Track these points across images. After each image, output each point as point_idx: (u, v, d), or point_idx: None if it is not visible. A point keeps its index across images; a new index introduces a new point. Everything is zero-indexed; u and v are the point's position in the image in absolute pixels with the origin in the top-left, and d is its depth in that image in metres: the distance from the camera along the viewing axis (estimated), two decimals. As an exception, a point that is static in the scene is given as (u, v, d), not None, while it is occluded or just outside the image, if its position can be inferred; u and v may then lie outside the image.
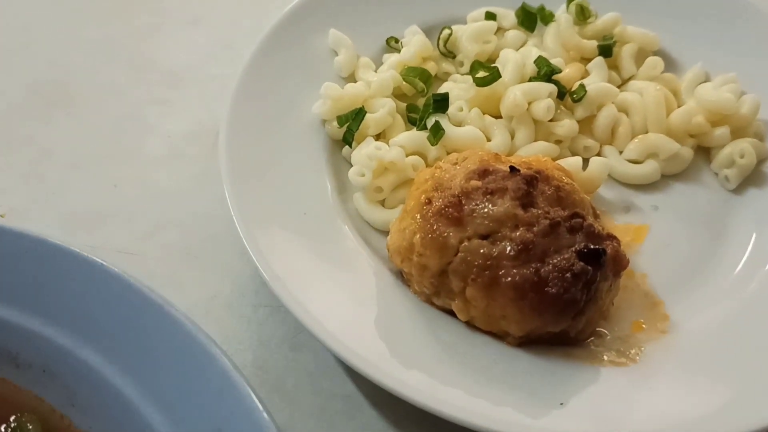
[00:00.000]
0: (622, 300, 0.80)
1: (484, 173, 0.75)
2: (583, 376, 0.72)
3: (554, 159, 0.87)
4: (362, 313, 0.75)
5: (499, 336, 0.74)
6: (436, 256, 0.73)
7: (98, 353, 0.63)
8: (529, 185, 0.74)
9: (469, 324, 0.75)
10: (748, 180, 0.90)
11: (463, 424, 0.66)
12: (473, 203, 0.73)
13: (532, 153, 0.87)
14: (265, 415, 0.57)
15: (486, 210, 0.73)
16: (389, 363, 0.70)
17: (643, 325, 0.78)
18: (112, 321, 0.63)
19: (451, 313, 0.75)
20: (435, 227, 0.73)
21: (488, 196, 0.73)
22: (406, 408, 0.71)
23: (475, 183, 0.75)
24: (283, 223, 0.80)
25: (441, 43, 0.99)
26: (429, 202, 0.75)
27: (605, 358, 0.74)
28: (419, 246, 0.74)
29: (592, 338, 0.76)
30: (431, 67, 0.97)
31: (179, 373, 0.61)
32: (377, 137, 0.90)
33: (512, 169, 0.75)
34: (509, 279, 0.70)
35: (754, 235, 0.86)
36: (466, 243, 0.72)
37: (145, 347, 0.62)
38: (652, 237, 0.86)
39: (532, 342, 0.74)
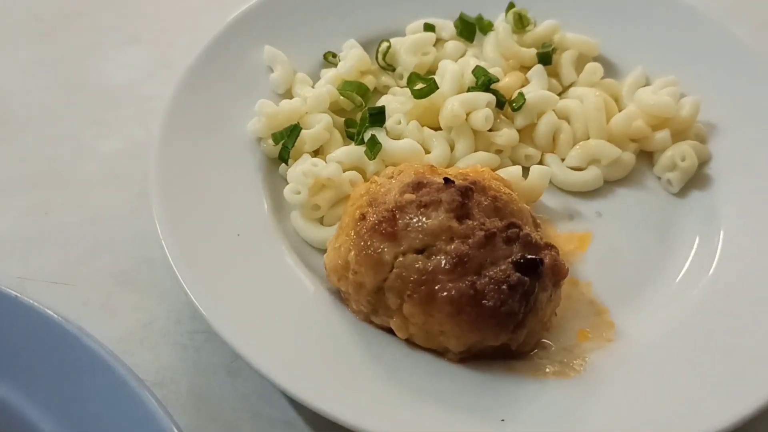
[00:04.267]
0: (566, 309, 0.78)
1: (418, 186, 0.74)
2: (525, 390, 0.70)
3: (495, 169, 0.86)
4: (299, 337, 0.72)
5: (440, 353, 0.72)
6: (371, 273, 0.71)
7: (16, 389, 0.60)
8: (464, 196, 0.72)
9: (409, 342, 0.73)
10: (691, 183, 0.90)
11: (404, 446, 0.64)
12: (407, 217, 0.71)
13: (472, 163, 0.85)
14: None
15: (420, 224, 0.71)
16: (328, 387, 0.68)
17: (589, 334, 0.77)
18: (28, 354, 0.61)
19: (391, 331, 0.73)
20: (369, 243, 0.71)
21: (422, 209, 0.72)
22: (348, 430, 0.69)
23: (409, 196, 0.73)
24: (216, 245, 0.78)
25: (380, 56, 0.98)
26: (363, 217, 0.73)
27: (548, 370, 0.72)
28: (354, 263, 0.72)
29: (537, 350, 0.75)
30: (370, 80, 0.96)
31: (96, 407, 0.59)
32: (315, 154, 0.88)
33: (446, 180, 0.74)
34: (445, 293, 0.68)
35: (697, 238, 0.85)
36: (401, 258, 0.70)
37: (62, 380, 0.60)
38: (597, 244, 0.85)
39: (473, 357, 0.72)
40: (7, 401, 0.60)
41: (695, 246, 0.84)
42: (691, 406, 0.69)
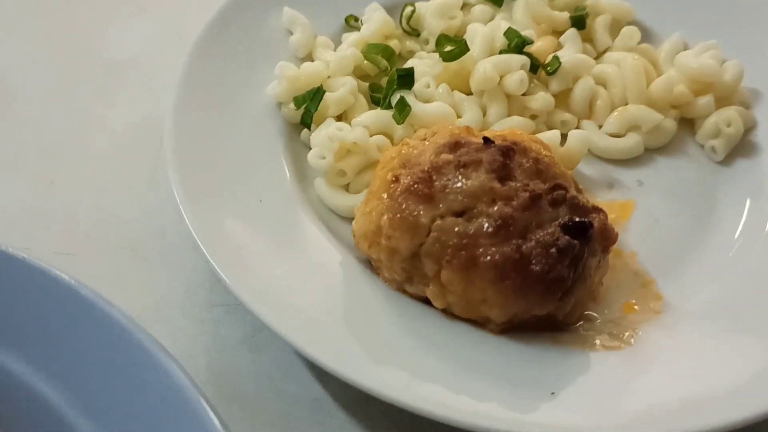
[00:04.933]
0: (611, 280, 0.73)
1: (455, 146, 0.69)
2: (575, 362, 0.65)
3: (531, 134, 0.80)
4: (328, 307, 0.67)
5: (480, 323, 0.67)
6: (406, 238, 0.66)
7: (21, 360, 0.55)
8: (506, 157, 0.67)
9: (447, 312, 0.68)
10: (736, 150, 0.85)
11: (445, 421, 0.59)
12: (445, 178, 0.66)
13: (507, 128, 0.80)
14: (218, 426, 0.49)
15: (459, 185, 0.66)
16: (360, 359, 0.63)
17: (636, 306, 0.72)
18: (37, 322, 0.55)
19: (426, 301, 0.68)
20: (404, 206, 0.66)
21: (461, 170, 0.67)
22: (381, 408, 0.64)
23: (446, 157, 0.68)
24: (238, 214, 0.73)
25: (404, 20, 0.93)
26: (396, 179, 0.68)
27: (597, 342, 0.67)
28: (387, 228, 0.67)
29: (582, 322, 0.69)
30: (394, 45, 0.91)
31: (116, 380, 0.53)
32: (338, 119, 0.83)
33: (486, 140, 0.69)
34: (488, 258, 0.63)
35: (746, 209, 0.80)
36: (438, 221, 0.65)
37: (76, 351, 0.54)
38: (639, 213, 0.80)
39: (516, 328, 0.67)
40: (15, 374, 0.55)
41: (744, 216, 0.79)
42: (744, 382, 0.64)
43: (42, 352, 0.55)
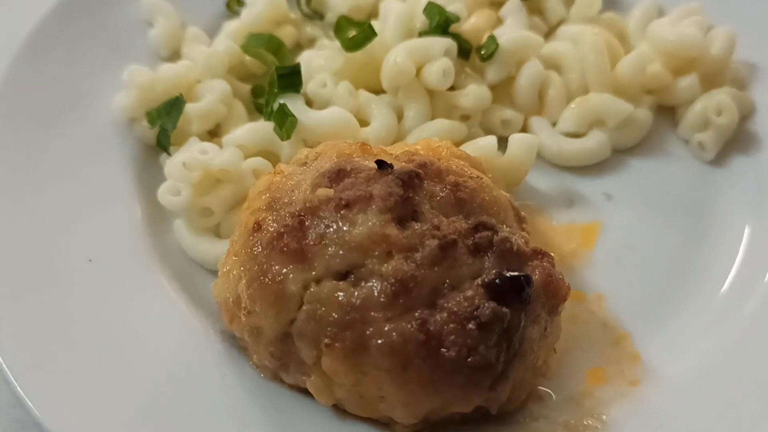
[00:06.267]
0: (570, 339, 0.58)
1: (338, 175, 0.50)
2: (514, 478, 0.47)
3: (459, 142, 0.65)
4: (180, 417, 0.49)
5: (384, 423, 0.49)
6: (270, 313, 0.48)
7: None
8: (408, 187, 0.49)
9: (338, 408, 0.49)
10: (731, 145, 0.70)
11: None
12: (322, 224, 0.48)
13: (428, 136, 0.64)
14: None
15: (341, 233, 0.47)
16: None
17: (605, 374, 0.55)
18: None
19: (311, 394, 0.49)
20: (266, 267, 0.48)
21: (344, 211, 0.48)
22: None
23: (324, 192, 0.49)
24: (52, 293, 0.55)
25: (302, 0, 0.74)
26: (258, 227, 0.50)
27: (547, 439, 0.49)
28: (246, 299, 0.48)
29: (530, 405, 0.52)
30: (288, 32, 0.75)
31: None
32: (211, 137, 0.65)
33: (380, 164, 0.50)
34: (382, 340, 0.46)
35: (747, 226, 0.64)
36: (313, 288, 0.48)
37: None
38: (607, 239, 0.66)
39: (435, 427, 0.49)
40: None
41: (745, 237, 0.63)
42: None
43: None
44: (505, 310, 0.46)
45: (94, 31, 0.70)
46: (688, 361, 0.55)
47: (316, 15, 0.76)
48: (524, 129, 0.71)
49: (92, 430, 0.48)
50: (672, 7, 0.77)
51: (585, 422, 0.51)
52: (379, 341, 0.46)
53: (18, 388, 0.49)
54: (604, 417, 0.51)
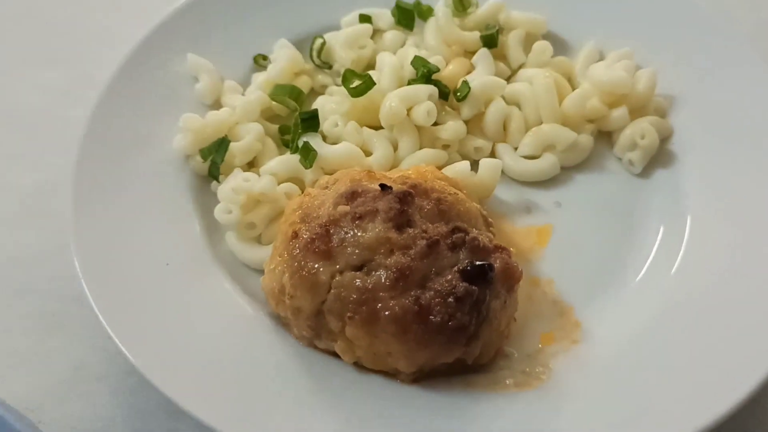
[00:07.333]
0: (528, 312, 0.73)
1: (352, 196, 0.68)
2: (485, 407, 0.64)
3: (443, 166, 0.80)
4: (240, 372, 0.67)
5: (392, 374, 0.66)
6: (307, 296, 0.65)
7: None
8: (403, 203, 0.67)
9: (358, 365, 0.67)
10: (654, 161, 0.84)
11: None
12: (343, 232, 0.66)
13: (417, 162, 0.80)
14: None
15: (356, 238, 0.65)
16: (276, 423, 0.63)
17: (554, 337, 0.71)
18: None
19: (338, 355, 0.67)
20: (303, 264, 0.65)
21: (358, 222, 0.66)
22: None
23: (343, 209, 0.67)
24: (144, 281, 0.71)
25: (314, 54, 0.91)
26: (295, 236, 0.67)
27: (509, 382, 0.67)
28: (289, 287, 0.66)
29: (498, 360, 0.69)
30: (305, 82, 0.90)
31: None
32: (249, 167, 0.82)
33: (383, 187, 0.68)
34: (388, 312, 0.63)
35: (662, 225, 0.79)
36: (338, 277, 0.64)
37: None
38: (557, 237, 0.80)
39: (428, 376, 0.66)
40: None
41: (660, 233, 0.79)
42: (659, 411, 0.63)
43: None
44: (474, 288, 0.63)
45: (153, 86, 0.84)
46: (614, 327, 0.71)
47: (325, 65, 0.91)
48: (492, 153, 0.84)
49: (178, 372, 0.65)
50: (609, 51, 0.90)
51: (537, 369, 0.67)
52: (386, 313, 0.62)
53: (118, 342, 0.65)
54: (551, 365, 0.67)
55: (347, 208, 0.67)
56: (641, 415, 0.63)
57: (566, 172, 0.85)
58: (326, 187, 0.72)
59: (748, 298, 0.69)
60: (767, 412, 0.70)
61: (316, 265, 0.65)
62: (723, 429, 0.62)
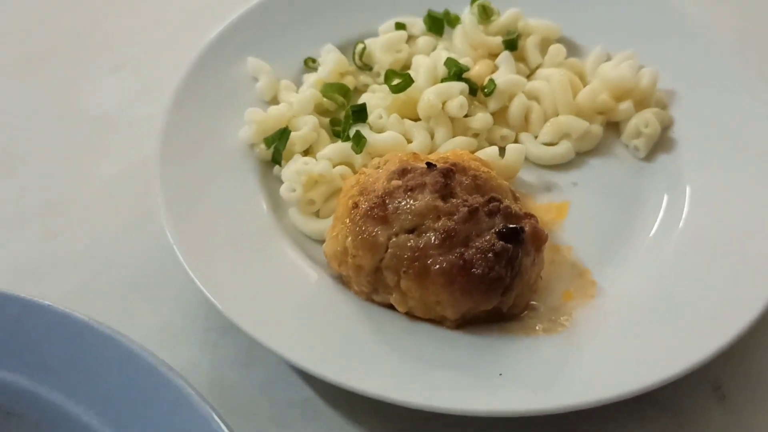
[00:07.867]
0: (551, 273, 0.84)
1: (403, 172, 0.80)
2: (519, 347, 0.76)
3: (473, 151, 0.92)
4: (309, 320, 0.78)
5: (438, 322, 0.78)
6: (368, 255, 0.77)
7: (59, 391, 0.66)
8: (446, 177, 0.78)
9: (409, 315, 0.79)
10: (657, 147, 0.96)
11: (414, 406, 0.71)
12: (396, 201, 0.77)
13: (451, 148, 0.91)
14: (224, 428, 0.60)
15: (408, 206, 0.77)
16: (341, 362, 0.74)
17: (573, 294, 0.83)
18: (69, 359, 0.66)
19: (392, 307, 0.79)
20: (364, 228, 0.77)
21: (409, 193, 0.78)
22: (361, 402, 0.75)
23: (396, 182, 0.79)
24: (224, 247, 0.83)
25: (356, 57, 1.04)
26: (356, 206, 0.79)
27: (538, 327, 0.78)
28: (352, 248, 0.78)
29: (527, 312, 0.81)
30: (349, 81, 1.02)
31: (138, 399, 0.64)
32: (305, 153, 0.94)
33: (429, 165, 0.80)
34: (437, 266, 0.74)
35: (665, 198, 0.91)
36: (394, 239, 0.76)
37: (103, 379, 0.65)
38: (574, 212, 0.91)
39: (469, 323, 0.78)
40: (57, 404, 0.65)
41: (664, 205, 0.91)
42: (668, 352, 0.75)
43: (75, 383, 0.65)
44: (509, 245, 0.74)
45: (218, 85, 0.97)
46: (626, 284, 0.82)
47: (366, 67, 1.03)
48: (516, 141, 0.96)
49: (257, 317, 0.76)
50: (615, 53, 1.02)
51: (561, 318, 0.79)
52: (436, 267, 0.73)
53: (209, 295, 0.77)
54: (572, 314, 0.79)
55: (399, 182, 0.79)
56: (651, 350, 0.74)
57: (580, 156, 0.97)
58: (378, 167, 0.84)
59: (744, 244, 0.82)
60: (737, 364, 0.81)
61: (375, 229, 0.77)
62: (702, 382, 0.75)
